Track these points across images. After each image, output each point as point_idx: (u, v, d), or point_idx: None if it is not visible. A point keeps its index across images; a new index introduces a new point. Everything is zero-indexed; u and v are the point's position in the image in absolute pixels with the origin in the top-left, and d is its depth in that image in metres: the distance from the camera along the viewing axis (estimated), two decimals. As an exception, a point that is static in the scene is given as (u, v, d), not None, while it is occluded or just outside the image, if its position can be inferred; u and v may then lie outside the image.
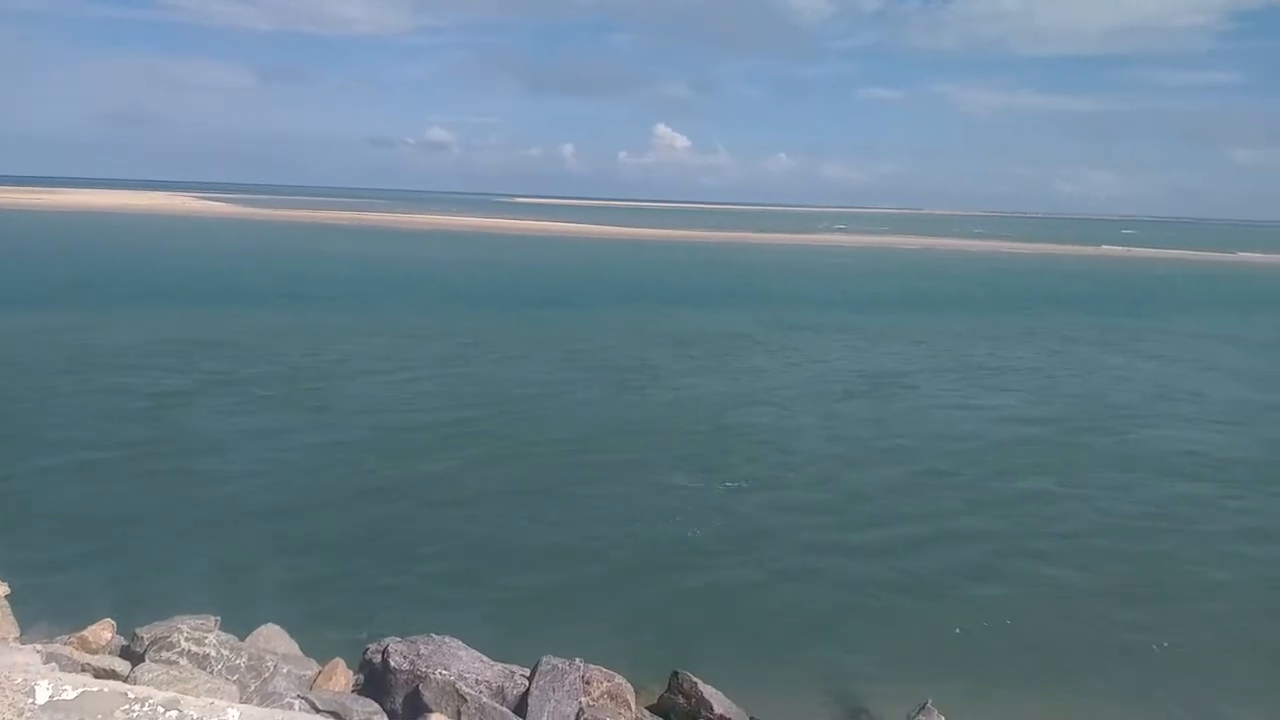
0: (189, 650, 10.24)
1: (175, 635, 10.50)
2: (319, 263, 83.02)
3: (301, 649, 12.85)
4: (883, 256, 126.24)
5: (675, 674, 12.91)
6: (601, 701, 11.52)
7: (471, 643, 12.12)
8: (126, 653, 11.03)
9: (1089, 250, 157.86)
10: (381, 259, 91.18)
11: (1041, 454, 27.76)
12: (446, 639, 11.25)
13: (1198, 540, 21.11)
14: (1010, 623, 16.80)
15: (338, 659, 11.86)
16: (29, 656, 8.42)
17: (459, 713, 10.08)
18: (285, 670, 10.98)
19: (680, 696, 12.60)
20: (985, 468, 26.16)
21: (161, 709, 5.17)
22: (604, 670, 11.81)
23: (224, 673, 10.07)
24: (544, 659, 10.83)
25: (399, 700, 10.59)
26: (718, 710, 12.31)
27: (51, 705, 5.13)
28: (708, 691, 12.53)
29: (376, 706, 10.41)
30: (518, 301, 60.17)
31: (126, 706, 5.14)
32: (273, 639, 12.59)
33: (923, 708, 12.19)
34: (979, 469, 26.03)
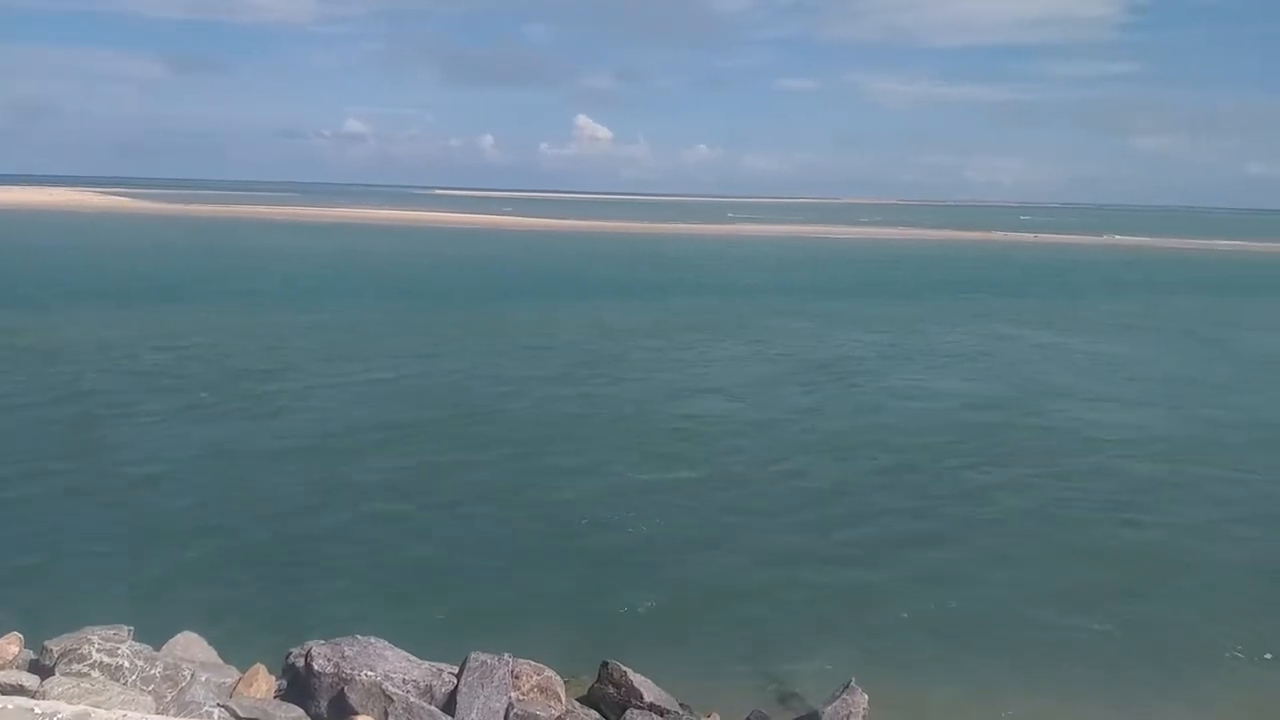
0: (101, 661, 9.91)
1: (86, 647, 10.14)
2: (231, 259, 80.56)
3: (221, 656, 12.52)
4: (808, 245, 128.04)
5: (605, 664, 12.96)
6: (531, 695, 11.52)
7: (398, 642, 11.98)
8: (35, 667, 10.60)
9: (998, 236, 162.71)
10: (302, 254, 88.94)
11: (987, 438, 28.35)
12: (372, 639, 11.11)
13: (1144, 527, 21.49)
14: (939, 607, 17.20)
15: (259, 665, 11.59)
16: (-74, 676, 8.05)
17: (386, 713, 9.97)
18: (204, 678, 10.70)
19: (610, 686, 12.66)
20: (922, 452, 26.62)
21: (72, 724, 5.00)
22: (533, 664, 11.79)
23: (138, 683, 9.77)
24: (472, 655, 10.77)
25: (324, 704, 10.42)
26: (648, 698, 12.40)
27: (-48, 726, 4.92)
28: (638, 680, 12.62)
29: (300, 712, 10.23)
30: (449, 295, 59.35)
31: (34, 723, 4.97)
32: (190, 647, 12.24)
33: (846, 686, 12.47)
34: (919, 454, 26.49)
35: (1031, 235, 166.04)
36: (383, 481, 22.75)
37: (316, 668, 10.61)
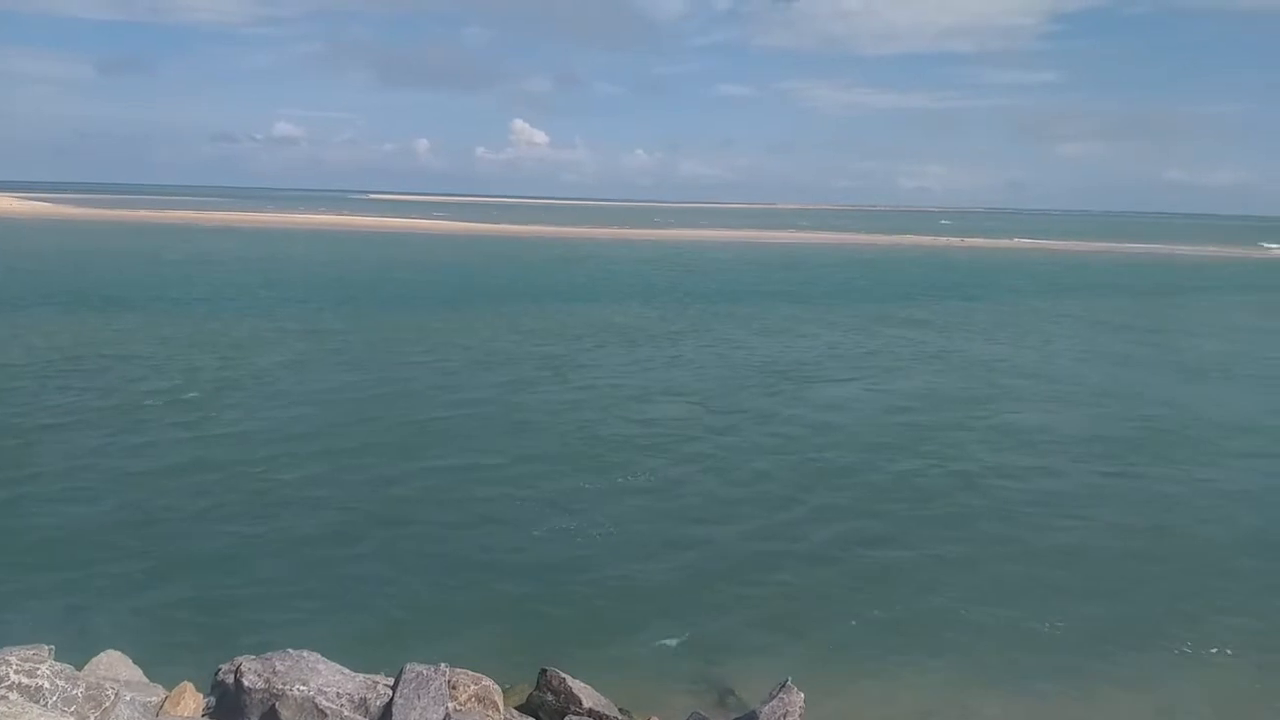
0: (19, 683, 9.54)
1: (3, 668, 9.75)
2: (159, 266, 78.29)
3: (146, 675, 12.16)
4: (747, 251, 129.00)
5: (543, 671, 12.91)
6: (469, 705, 11.41)
7: (333, 655, 11.77)
8: (-53, 692, 10.16)
9: (928, 240, 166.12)
10: (233, 260, 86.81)
11: (932, 439, 28.80)
12: (304, 653, 10.88)
13: (1088, 526, 21.91)
14: (879, 606, 17.47)
15: (186, 683, 11.28)
16: None
17: (320, 728, 9.79)
18: (128, 698, 10.38)
19: (549, 693, 12.61)
20: (867, 454, 26.94)
21: (-15, 749, 4.83)
22: (470, 673, 11.68)
23: (59, 704, 9.44)
24: (408, 666, 10.62)
25: (255, 720, 10.19)
26: (587, 704, 12.38)
27: None
28: (576, 686, 12.60)
29: (230, 729, 9.99)
30: (388, 302, 58.48)
31: (-56, 750, 4.79)
32: (114, 666, 11.87)
33: (783, 686, 12.60)
34: (864, 456, 26.81)
35: (960, 240, 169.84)
36: (317, 492, 22.36)
37: (246, 684, 10.37)
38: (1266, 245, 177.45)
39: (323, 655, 11.32)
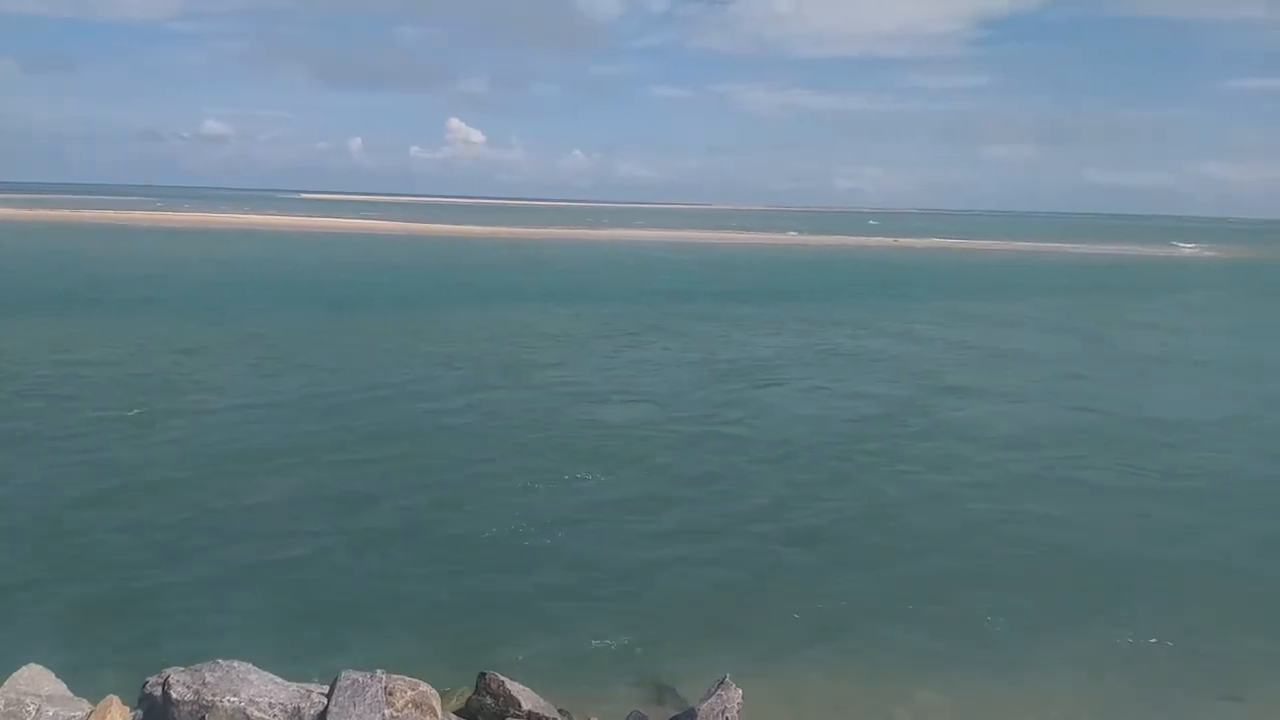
0: (-69, 704, 9.19)
1: (-86, 688, 9.39)
2: (84, 267, 75.74)
3: (70, 689, 11.79)
4: (691, 251, 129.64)
5: (482, 675, 12.85)
6: (406, 711, 11.29)
7: (265, 665, 11.56)
8: None
9: (862, 240, 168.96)
10: (162, 260, 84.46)
11: (877, 437, 29.20)
12: (235, 663, 10.67)
13: (1028, 520, 22.34)
14: (822, 602, 17.69)
15: (111, 696, 10.96)
16: None
17: (252, 739, 9.61)
18: (51, 713, 10.08)
19: (488, 697, 12.55)
20: (811, 453, 27.14)
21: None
22: (407, 679, 11.57)
23: (-25, 724, 9.12)
24: (343, 673, 10.49)
25: (184, 733, 9.96)
26: (526, 706, 12.35)
27: None
28: (515, 688, 12.56)
29: (158, 742, 9.75)
30: (329, 303, 57.29)
31: None
32: (36, 680, 11.48)
33: (721, 682, 12.73)
34: (808, 454, 27.04)
35: (893, 240, 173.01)
36: (250, 499, 21.87)
37: (175, 696, 10.13)
38: (1176, 244, 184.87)
39: (254, 665, 11.12)
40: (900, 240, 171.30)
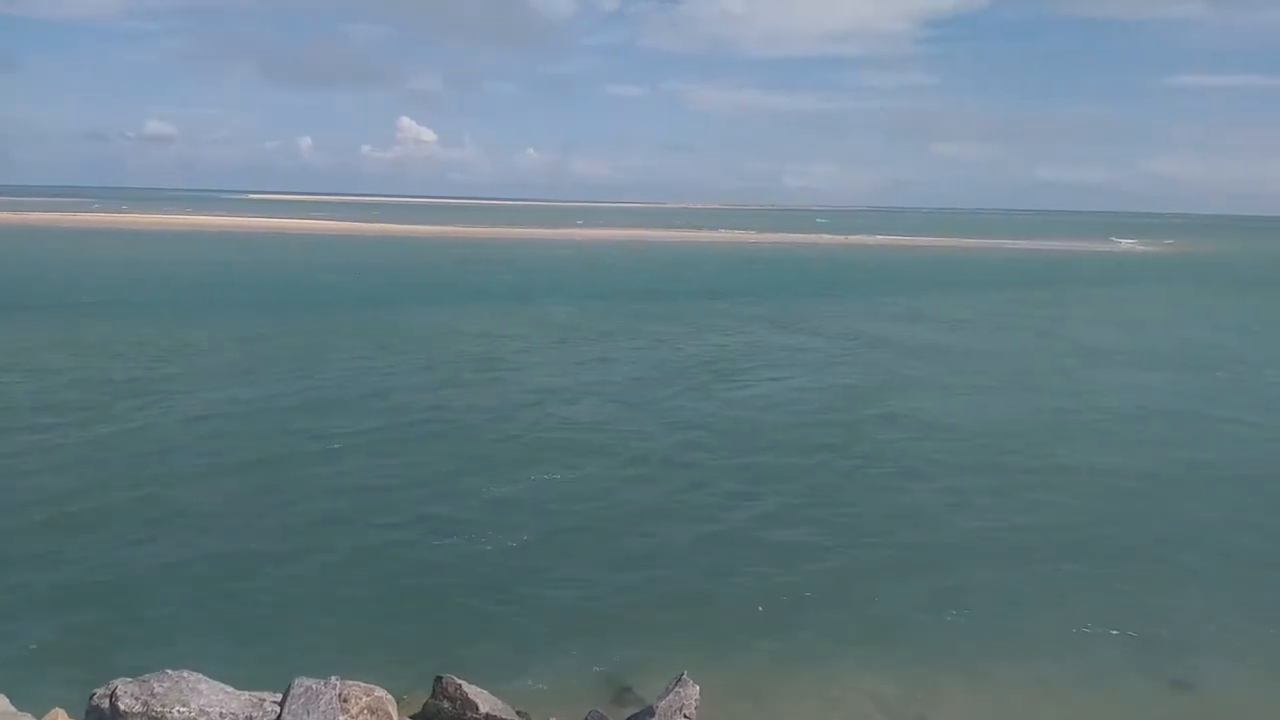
0: None
1: None
2: (22, 270, 73.71)
3: (13, 703, 11.51)
4: (647, 249, 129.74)
5: (439, 679, 12.79)
6: (362, 717, 11.21)
7: (217, 674, 11.39)
8: None
9: (814, 238, 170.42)
10: (119, 263, 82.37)
11: (831, 432, 29.43)
12: (185, 673, 10.50)
13: (978, 511, 22.64)
14: (774, 596, 17.81)
15: (57, 709, 10.75)
16: None
17: (203, 749, 9.46)
18: (-8, 730, 9.82)
19: (445, 700, 12.50)
20: (767, 453, 27.20)
21: None
22: (362, 684, 11.48)
23: (-87, 743, 8.86)
24: (296, 681, 10.38)
25: (133, 745, 9.77)
26: (484, 709, 12.33)
27: None
28: (473, 692, 12.52)
29: (106, 756, 9.55)
30: (280, 306, 56.33)
31: None
32: (-25, 697, 11.20)
33: (679, 679, 12.79)
34: (765, 451, 27.12)
35: (844, 238, 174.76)
36: (200, 505, 21.50)
37: (123, 707, 9.95)
38: (1116, 239, 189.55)
39: (205, 675, 10.96)
40: (852, 238, 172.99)
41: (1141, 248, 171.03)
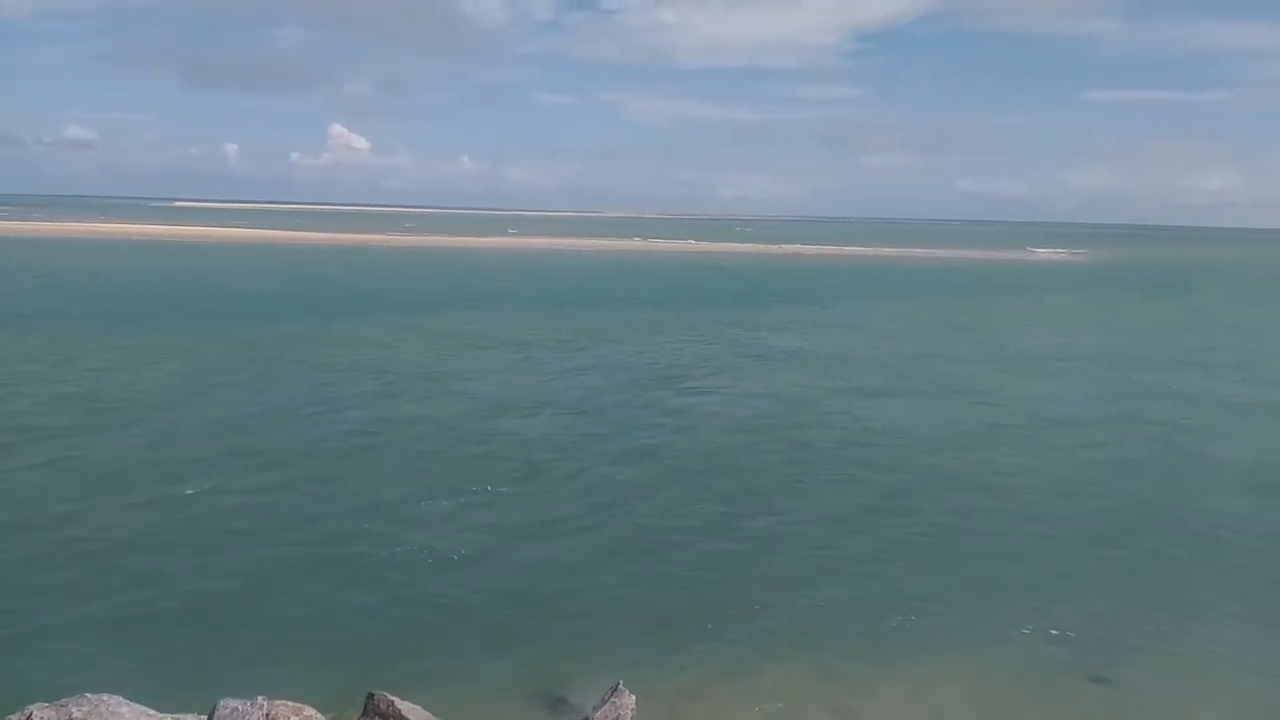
0: None
1: None
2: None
3: (-81, 734, 11.03)
4: (585, 258, 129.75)
5: (370, 695, 12.58)
6: (291, 736, 10.99)
7: (138, 697, 11.07)
8: None
9: (749, 248, 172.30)
10: (36, 272, 79.08)
11: (766, 441, 29.61)
12: (105, 697, 10.18)
13: (911, 513, 23.02)
14: (707, 603, 17.87)
15: (-33, 739, 10.32)
16: None
17: (124, 775, 9.18)
18: (-104, 763, 9.39)
19: (377, 717, 12.30)
20: (698, 460, 27.26)
21: None
22: (291, 704, 11.25)
23: None
24: (221, 702, 10.15)
25: (49, 773, 9.44)
26: (416, 724, 12.17)
27: None
28: (405, 707, 12.35)
29: (20, 785, 9.21)
30: (208, 315, 54.67)
31: None
32: (-122, 729, 10.69)
33: (615, 689, 12.82)
34: (698, 460, 27.17)
35: (778, 247, 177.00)
36: (121, 521, 20.81)
37: (39, 735, 9.60)
38: (1033, 249, 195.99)
39: (126, 698, 10.64)
40: (785, 247, 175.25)
41: (1057, 257, 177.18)
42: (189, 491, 22.84)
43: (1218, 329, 64.37)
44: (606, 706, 12.56)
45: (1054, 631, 16.95)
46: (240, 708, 9.86)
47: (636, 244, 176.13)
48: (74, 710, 9.75)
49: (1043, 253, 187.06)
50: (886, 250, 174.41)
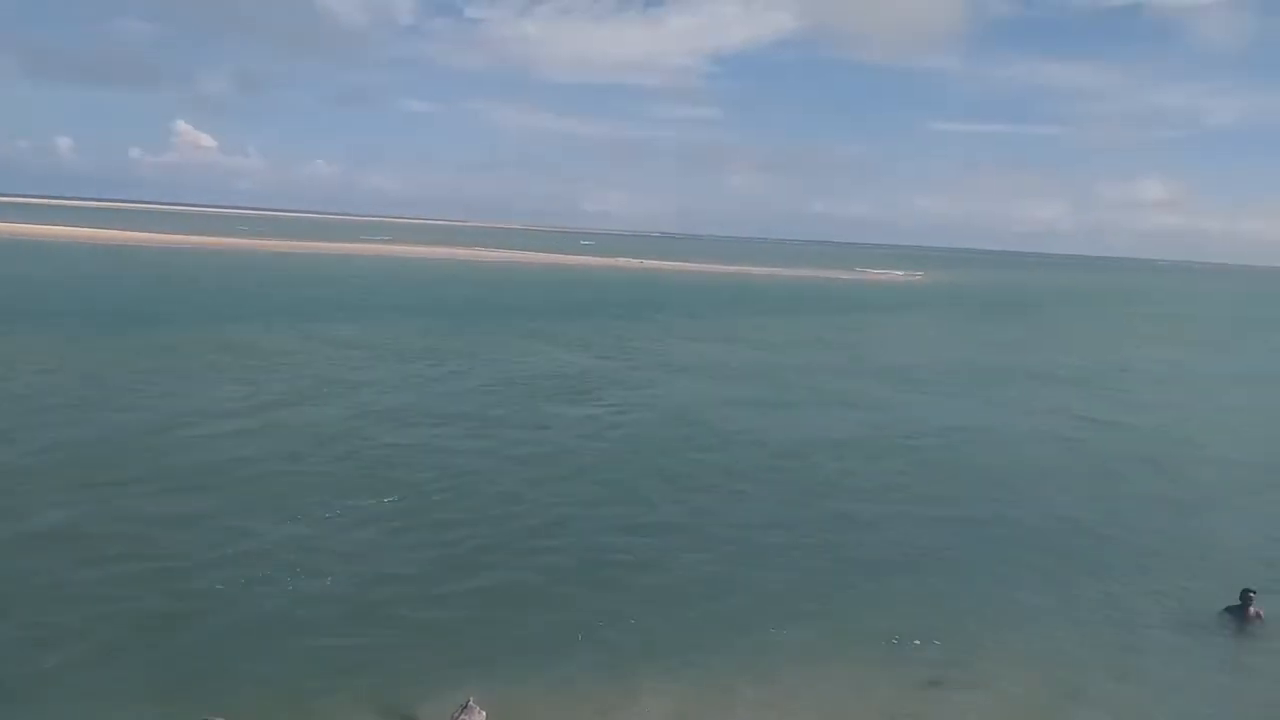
0: None
1: None
2: None
3: None
4: (452, 267, 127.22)
5: (206, 722, 12.07)
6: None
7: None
8: None
9: (610, 261, 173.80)
10: None
11: (663, 451, 29.87)
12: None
13: (803, 528, 23.26)
14: (573, 614, 17.78)
15: None
16: None
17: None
18: None
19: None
20: (590, 472, 27.10)
21: None
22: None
23: None
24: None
25: None
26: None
27: None
28: (244, 734, 11.90)
29: None
30: (39, 319, 50.68)
31: None
32: None
33: (464, 707, 12.73)
34: (583, 473, 26.90)
35: (638, 261, 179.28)
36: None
37: None
38: (887, 270, 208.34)
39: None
40: (646, 263, 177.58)
41: (905, 277, 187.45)
42: (48, 508, 21.21)
43: (1056, 345, 70.11)
44: (456, 725, 12.45)
45: (895, 640, 17.38)
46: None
47: (502, 255, 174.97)
48: None
49: (897, 274, 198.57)
50: (746, 268, 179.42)
